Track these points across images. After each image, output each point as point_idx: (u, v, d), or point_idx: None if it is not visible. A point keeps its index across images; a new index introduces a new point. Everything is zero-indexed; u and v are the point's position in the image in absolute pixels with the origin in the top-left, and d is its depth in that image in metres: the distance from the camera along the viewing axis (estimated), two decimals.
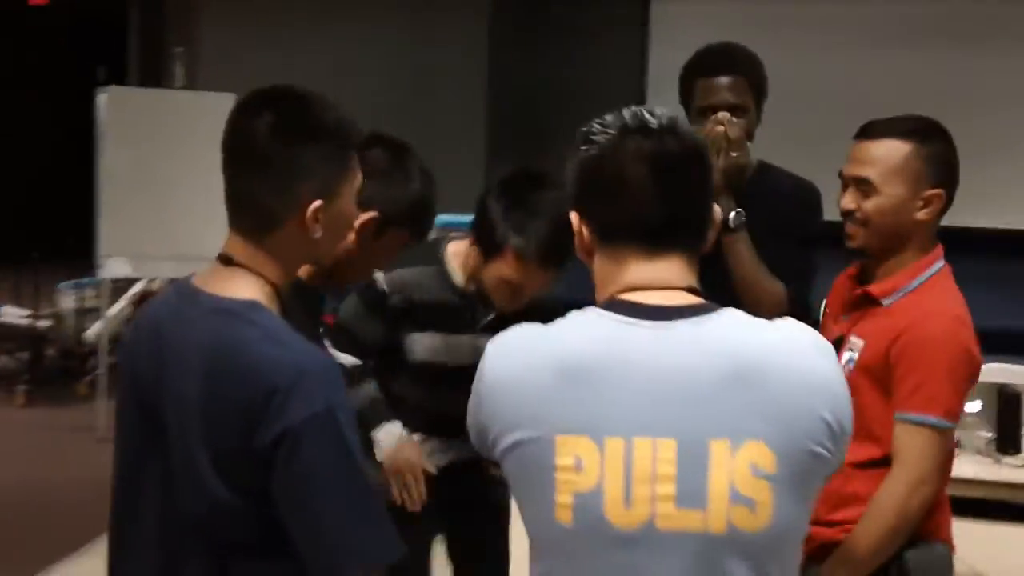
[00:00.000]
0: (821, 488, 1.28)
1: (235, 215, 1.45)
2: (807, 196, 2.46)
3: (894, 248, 1.98)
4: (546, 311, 2.31)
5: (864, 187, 1.97)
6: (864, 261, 2.08)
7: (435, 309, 2.23)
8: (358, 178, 1.51)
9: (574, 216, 1.37)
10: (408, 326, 2.25)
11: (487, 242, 2.10)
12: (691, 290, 1.31)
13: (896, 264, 1.99)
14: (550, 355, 1.27)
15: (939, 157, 1.96)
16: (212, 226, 5.89)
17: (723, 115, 2.29)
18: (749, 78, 2.36)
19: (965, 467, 4.09)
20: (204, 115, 5.62)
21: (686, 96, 2.42)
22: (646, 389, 1.23)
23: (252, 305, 1.41)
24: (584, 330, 1.29)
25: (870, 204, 1.96)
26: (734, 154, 2.28)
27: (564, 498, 1.23)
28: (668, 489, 1.21)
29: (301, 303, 1.82)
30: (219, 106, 5.55)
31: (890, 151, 1.95)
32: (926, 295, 1.96)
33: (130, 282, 6.26)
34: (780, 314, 2.19)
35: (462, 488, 2.40)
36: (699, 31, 6.86)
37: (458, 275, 2.24)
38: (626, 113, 1.33)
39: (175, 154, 5.55)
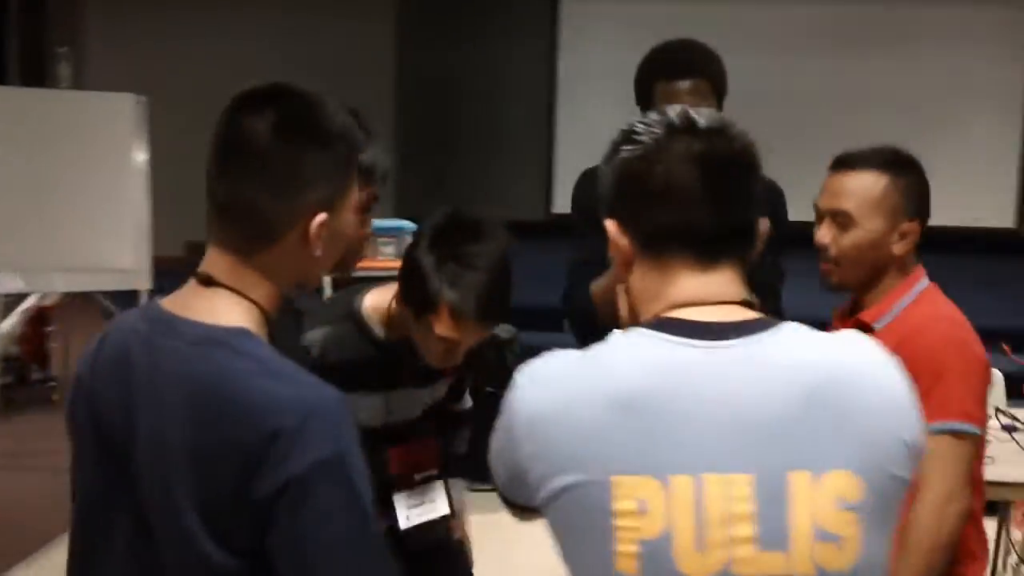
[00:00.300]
0: (901, 515, 1.18)
1: (224, 226, 1.27)
2: (772, 198, 2.35)
3: (872, 281, 1.96)
4: (484, 357, 2.14)
5: (841, 219, 1.93)
6: (852, 298, 2.06)
7: (353, 370, 1.98)
8: (356, 192, 1.34)
9: (611, 224, 1.24)
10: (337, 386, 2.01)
11: (418, 298, 1.90)
12: (746, 303, 1.19)
13: (880, 291, 1.96)
14: (600, 386, 1.13)
15: (915, 189, 1.93)
16: (105, 235, 5.56)
17: None
18: (711, 79, 2.24)
19: None
20: (98, 117, 5.32)
21: (644, 99, 2.27)
22: (714, 419, 1.10)
23: (242, 333, 1.23)
24: (636, 355, 1.15)
25: (847, 239, 1.93)
26: None
27: (626, 547, 1.09)
28: (746, 530, 1.08)
29: (288, 324, 1.65)
30: (114, 107, 5.33)
31: (868, 184, 1.91)
32: (916, 310, 1.92)
33: (20, 297, 5.88)
34: None
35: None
36: (609, 30, 6.95)
37: (379, 329, 2.01)
38: (671, 112, 1.21)
39: (67, 159, 5.21)
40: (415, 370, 2.04)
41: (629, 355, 1.15)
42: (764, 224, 1.27)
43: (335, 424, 1.19)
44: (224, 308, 1.25)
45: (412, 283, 1.90)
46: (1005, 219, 7.58)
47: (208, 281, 1.27)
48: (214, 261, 1.28)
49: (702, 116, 1.20)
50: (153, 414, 1.23)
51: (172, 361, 1.23)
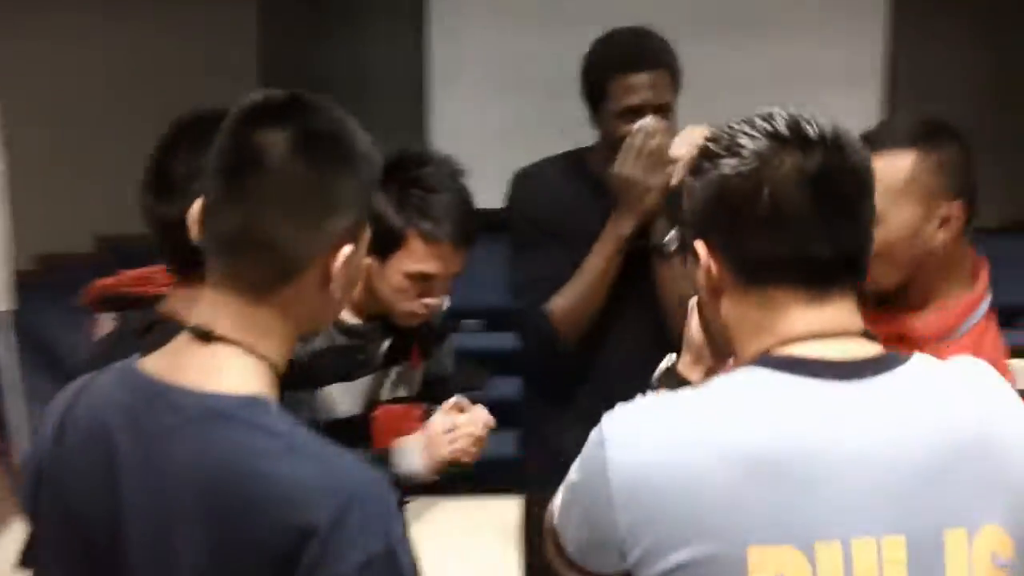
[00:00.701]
0: None
1: (231, 264, 1.06)
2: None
3: (919, 279, 1.59)
4: (438, 331, 2.01)
5: None
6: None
7: (327, 357, 1.86)
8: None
9: (702, 247, 1.08)
10: (306, 384, 1.84)
11: (383, 240, 1.74)
12: (866, 336, 1.06)
13: (931, 292, 1.59)
14: (723, 439, 0.98)
15: (952, 163, 1.56)
16: None
17: (652, 123, 1.99)
18: (670, 70, 2.09)
19: None
20: None
21: (595, 94, 2.10)
22: (860, 473, 0.97)
23: (256, 402, 1.02)
24: (762, 401, 1.00)
25: (876, 237, 1.62)
26: (668, 169, 1.98)
27: None
28: None
29: None
30: None
31: (889, 167, 1.53)
32: (981, 349, 1.55)
33: None
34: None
35: None
36: (482, 21, 6.83)
37: (346, 312, 1.87)
38: (777, 118, 1.05)
39: None
40: (386, 350, 1.92)
41: (753, 401, 1.00)
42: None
43: (381, 512, 0.99)
44: (231, 370, 1.04)
45: (372, 227, 1.78)
46: None
47: (207, 336, 1.04)
48: (214, 308, 1.06)
49: (813, 124, 1.05)
50: (152, 512, 1.01)
51: (172, 445, 1.01)
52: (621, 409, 1.06)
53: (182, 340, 1.06)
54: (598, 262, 2.06)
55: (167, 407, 1.03)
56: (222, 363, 1.04)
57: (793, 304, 1.04)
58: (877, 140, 1.56)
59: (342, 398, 1.88)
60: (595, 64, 2.12)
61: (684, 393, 1.06)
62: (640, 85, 2.03)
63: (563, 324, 2.08)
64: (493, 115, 6.66)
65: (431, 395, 2.04)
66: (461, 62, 6.84)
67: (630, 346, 2.12)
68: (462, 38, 6.84)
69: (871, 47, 7.19)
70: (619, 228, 2.03)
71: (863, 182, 1.07)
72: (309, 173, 1.05)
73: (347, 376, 1.87)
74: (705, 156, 1.07)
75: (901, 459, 0.98)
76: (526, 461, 2.30)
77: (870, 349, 1.05)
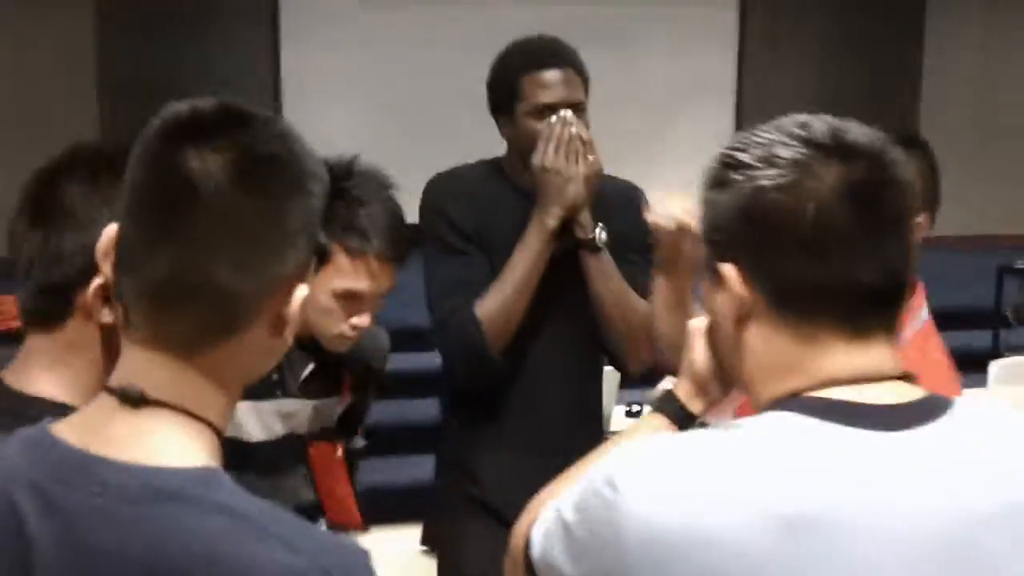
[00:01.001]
0: None
1: (162, 317, 0.87)
2: (637, 197, 2.16)
3: None
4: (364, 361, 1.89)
5: None
6: None
7: None
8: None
9: (731, 271, 0.95)
10: None
11: None
12: (906, 378, 0.96)
13: None
14: (756, 495, 0.86)
15: (917, 176, 1.54)
16: None
17: (568, 114, 1.98)
18: (580, 72, 2.09)
19: None
20: None
21: (507, 96, 2.05)
22: (905, 538, 0.87)
23: (206, 476, 0.85)
24: (799, 452, 0.89)
25: None
26: (591, 158, 1.97)
27: None
28: None
29: None
30: None
31: None
32: (927, 359, 1.61)
33: None
34: (650, 334, 1.91)
35: None
36: (333, 23, 6.59)
37: None
38: (814, 125, 0.94)
39: None
40: (305, 371, 1.80)
41: (785, 452, 0.89)
42: None
43: None
44: (168, 438, 0.86)
45: None
46: None
47: (138, 400, 0.86)
48: (144, 368, 0.87)
49: (853, 132, 0.94)
50: None
51: (103, 528, 0.82)
52: (635, 449, 0.94)
53: (104, 405, 0.87)
54: (525, 258, 1.98)
55: (93, 483, 0.84)
56: (157, 431, 0.86)
57: (834, 342, 0.93)
58: None
59: (247, 418, 1.74)
60: (506, 65, 2.09)
61: (705, 437, 0.94)
62: (554, 81, 2.03)
63: (492, 329, 1.99)
64: (348, 123, 6.44)
65: (345, 426, 1.92)
66: (316, 67, 6.62)
67: (563, 350, 2.08)
68: (315, 43, 6.63)
69: (724, 65, 7.41)
70: (544, 220, 1.97)
71: (908, 197, 0.96)
72: (255, 205, 0.86)
73: (255, 395, 1.72)
74: (731, 166, 0.95)
75: (947, 521, 0.89)
76: (439, 482, 2.23)
77: (911, 393, 0.95)
